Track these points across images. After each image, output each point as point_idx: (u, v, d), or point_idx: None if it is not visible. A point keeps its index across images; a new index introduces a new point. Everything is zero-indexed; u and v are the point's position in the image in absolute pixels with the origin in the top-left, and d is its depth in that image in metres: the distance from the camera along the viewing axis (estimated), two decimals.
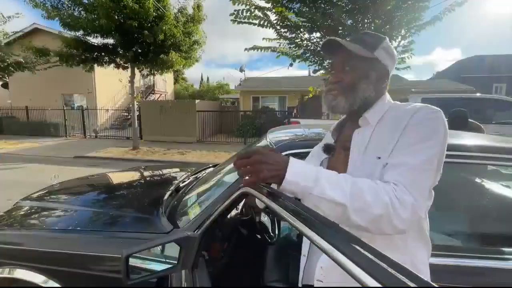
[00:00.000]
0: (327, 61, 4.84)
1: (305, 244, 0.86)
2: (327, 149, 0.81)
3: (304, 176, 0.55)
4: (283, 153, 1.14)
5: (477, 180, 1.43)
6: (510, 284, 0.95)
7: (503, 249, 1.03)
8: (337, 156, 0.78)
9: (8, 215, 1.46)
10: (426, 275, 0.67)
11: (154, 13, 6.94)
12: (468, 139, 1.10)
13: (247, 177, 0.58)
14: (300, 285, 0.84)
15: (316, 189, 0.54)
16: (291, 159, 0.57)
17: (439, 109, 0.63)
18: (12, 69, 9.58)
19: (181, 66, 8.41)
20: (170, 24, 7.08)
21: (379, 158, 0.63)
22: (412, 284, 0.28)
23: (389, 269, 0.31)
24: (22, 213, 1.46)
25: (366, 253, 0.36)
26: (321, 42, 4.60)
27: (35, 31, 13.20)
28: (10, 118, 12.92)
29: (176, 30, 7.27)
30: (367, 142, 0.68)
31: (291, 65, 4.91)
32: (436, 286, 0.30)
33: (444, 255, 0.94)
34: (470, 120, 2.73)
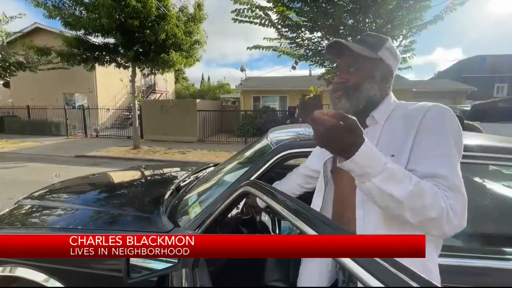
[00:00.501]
0: (328, 60, 4.84)
1: None
2: None
3: (372, 161, 0.53)
4: (285, 152, 1.14)
5: (479, 180, 1.42)
6: (511, 284, 0.95)
7: (505, 249, 1.03)
8: None
9: (10, 214, 1.46)
10: (436, 274, 0.68)
11: (156, 12, 6.94)
12: (470, 139, 1.09)
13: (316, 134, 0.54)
14: (298, 285, 0.84)
15: (377, 179, 0.53)
16: (366, 141, 0.53)
17: (448, 107, 0.65)
18: (14, 69, 9.59)
19: (182, 65, 8.43)
20: (172, 24, 7.08)
21: (393, 156, 0.64)
22: (414, 284, 0.28)
23: (391, 269, 0.31)
24: (23, 212, 1.47)
25: None
26: (322, 42, 4.59)
27: (36, 31, 13.23)
28: (11, 117, 12.96)
29: (178, 30, 7.27)
30: (377, 141, 0.69)
31: (293, 67, 4.87)
32: (439, 286, 0.30)
33: (445, 255, 0.94)
34: (467, 121, 2.74)
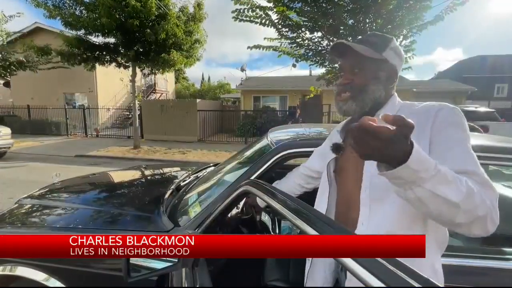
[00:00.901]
0: (328, 60, 4.84)
1: None
2: (337, 148, 0.80)
3: (425, 165, 0.47)
4: (285, 152, 1.14)
5: None
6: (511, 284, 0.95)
7: (505, 249, 1.02)
8: (347, 155, 0.78)
9: (10, 213, 1.46)
10: (440, 275, 0.68)
11: (156, 12, 6.95)
12: None
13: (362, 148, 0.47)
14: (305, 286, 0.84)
15: (430, 183, 0.47)
16: (415, 143, 0.46)
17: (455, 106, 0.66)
18: (14, 68, 9.59)
19: (182, 65, 8.42)
20: (172, 23, 7.08)
21: None
22: (416, 284, 0.28)
23: (393, 269, 0.31)
24: (24, 211, 1.47)
25: None
26: (322, 42, 4.59)
27: (37, 30, 13.23)
28: (12, 116, 12.95)
29: (178, 29, 7.27)
30: None
31: (294, 66, 4.88)
32: (440, 285, 0.30)
33: (446, 255, 0.94)
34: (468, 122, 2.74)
